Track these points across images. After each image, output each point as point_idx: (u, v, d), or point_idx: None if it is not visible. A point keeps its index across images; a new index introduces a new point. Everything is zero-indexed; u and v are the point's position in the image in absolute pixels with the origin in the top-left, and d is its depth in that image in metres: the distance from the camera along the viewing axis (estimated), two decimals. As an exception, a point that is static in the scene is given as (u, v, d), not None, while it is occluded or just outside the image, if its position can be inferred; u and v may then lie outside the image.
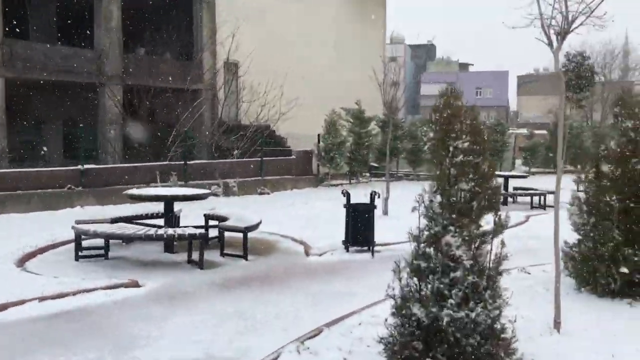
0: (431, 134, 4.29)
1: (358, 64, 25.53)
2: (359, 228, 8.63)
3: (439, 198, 4.06)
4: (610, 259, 6.25)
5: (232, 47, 19.97)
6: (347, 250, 8.71)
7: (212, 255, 8.26)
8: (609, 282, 6.27)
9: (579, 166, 30.94)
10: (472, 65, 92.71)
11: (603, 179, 6.53)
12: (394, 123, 22.55)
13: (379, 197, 8.86)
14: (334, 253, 8.65)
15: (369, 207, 8.69)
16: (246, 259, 8.18)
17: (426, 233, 4.14)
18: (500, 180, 15.94)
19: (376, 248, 8.69)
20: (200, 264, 7.66)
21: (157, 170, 15.16)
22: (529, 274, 7.52)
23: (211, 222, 9.26)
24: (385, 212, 12.35)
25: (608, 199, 6.37)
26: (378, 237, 8.77)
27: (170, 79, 19.21)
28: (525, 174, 16.02)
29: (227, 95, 20.99)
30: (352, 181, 20.95)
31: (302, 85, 21.45)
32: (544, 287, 6.65)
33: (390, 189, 14.26)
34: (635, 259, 6.21)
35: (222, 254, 8.36)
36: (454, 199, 4.05)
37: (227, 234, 8.44)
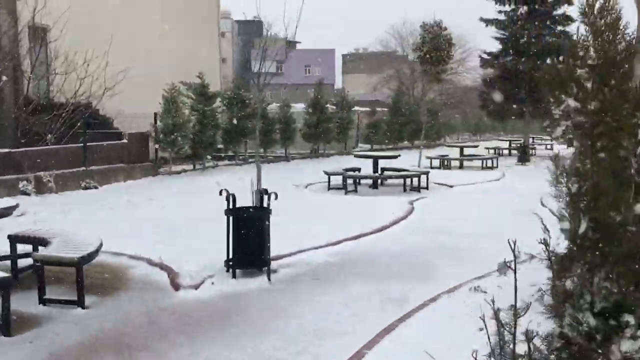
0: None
1: (191, 35, 22.55)
2: (248, 243, 6.19)
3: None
4: None
5: (38, 5, 15.86)
6: (234, 275, 6.22)
7: (25, 302, 5.30)
8: None
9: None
10: (300, 42, 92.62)
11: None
12: (241, 99, 20.11)
13: (268, 197, 6.46)
14: (215, 281, 6.09)
15: (262, 214, 6.29)
16: (83, 307, 5.32)
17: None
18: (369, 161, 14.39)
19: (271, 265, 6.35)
20: (5, 328, 4.68)
21: None
22: (485, 292, 5.78)
23: (22, 246, 6.18)
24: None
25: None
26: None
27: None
28: (396, 154, 14.59)
29: (34, 66, 16.75)
30: (196, 167, 18.14)
31: (131, 55, 17.92)
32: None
33: (246, 175, 11.92)
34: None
35: (43, 301, 5.40)
36: None
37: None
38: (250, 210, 6.42)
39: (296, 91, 71.19)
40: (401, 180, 14.01)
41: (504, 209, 11.02)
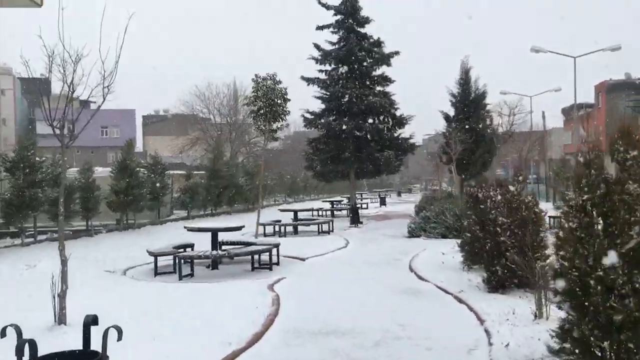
0: None
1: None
2: None
3: None
4: None
5: None
6: None
7: None
8: None
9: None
10: (95, 102, 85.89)
11: None
12: (30, 163, 16.02)
13: (105, 335, 3.55)
14: None
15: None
16: None
17: None
18: (208, 236, 11.68)
19: None
20: None
21: None
22: None
23: None
24: (62, 321, 6.70)
25: None
26: None
27: None
28: (239, 225, 12.07)
29: None
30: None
31: None
32: None
33: (39, 257, 8.56)
34: None
35: None
36: None
37: None
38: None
39: (92, 154, 64.89)
40: (244, 255, 11.44)
41: (381, 287, 9.27)
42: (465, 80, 26.18)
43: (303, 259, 12.62)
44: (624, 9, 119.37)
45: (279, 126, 15.70)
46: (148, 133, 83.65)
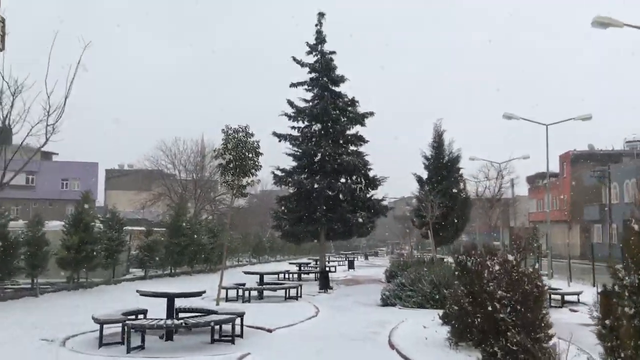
0: None
1: None
2: None
3: None
4: None
5: None
6: None
7: None
8: None
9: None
10: (57, 154, 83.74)
11: None
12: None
13: None
14: None
15: None
16: None
17: None
18: (163, 300, 10.35)
19: None
20: None
21: None
22: None
23: None
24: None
25: None
26: None
27: None
28: (200, 291, 10.79)
29: None
30: None
31: None
32: None
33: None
34: None
35: None
36: None
37: None
38: None
39: (50, 207, 62.25)
40: (203, 326, 10.10)
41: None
42: (438, 143, 25.80)
43: (270, 331, 11.30)
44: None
45: (248, 182, 14.65)
46: (111, 187, 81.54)
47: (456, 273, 9.63)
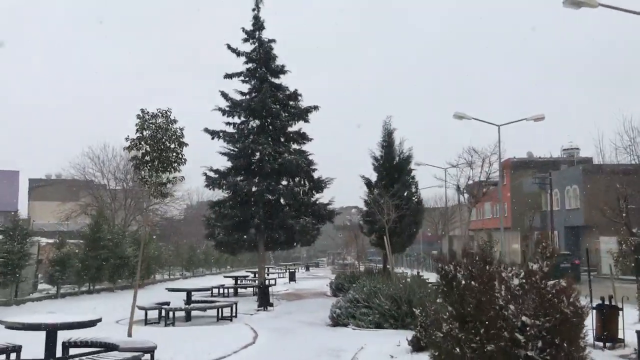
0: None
1: None
2: None
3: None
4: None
5: None
6: None
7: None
8: None
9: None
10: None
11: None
12: None
13: None
14: None
15: None
16: None
17: None
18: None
19: None
20: None
21: None
22: None
23: None
24: None
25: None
26: None
27: None
28: (94, 319, 7.92)
29: None
30: None
31: None
32: None
33: None
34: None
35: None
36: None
37: None
38: None
39: (-38, 219, 56.62)
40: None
41: None
42: (388, 142, 23.65)
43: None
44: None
45: (170, 178, 11.87)
46: (35, 198, 75.59)
47: (441, 288, 7.28)
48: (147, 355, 7.83)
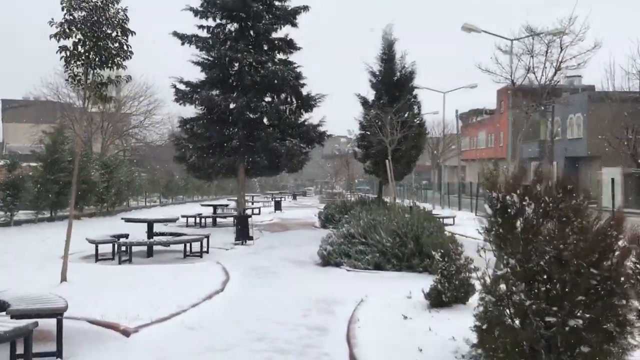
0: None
1: None
2: None
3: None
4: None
5: None
6: None
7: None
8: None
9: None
10: (-62, 81, 72.70)
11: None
12: None
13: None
14: None
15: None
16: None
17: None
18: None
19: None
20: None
21: None
22: None
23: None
24: None
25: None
26: None
27: None
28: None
29: None
30: None
31: None
32: None
33: None
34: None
35: None
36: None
37: None
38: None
39: None
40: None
41: None
42: (388, 56, 20.64)
43: (127, 333, 6.06)
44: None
45: (111, 77, 9.00)
46: (8, 120, 71.99)
47: (493, 229, 4.69)
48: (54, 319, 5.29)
